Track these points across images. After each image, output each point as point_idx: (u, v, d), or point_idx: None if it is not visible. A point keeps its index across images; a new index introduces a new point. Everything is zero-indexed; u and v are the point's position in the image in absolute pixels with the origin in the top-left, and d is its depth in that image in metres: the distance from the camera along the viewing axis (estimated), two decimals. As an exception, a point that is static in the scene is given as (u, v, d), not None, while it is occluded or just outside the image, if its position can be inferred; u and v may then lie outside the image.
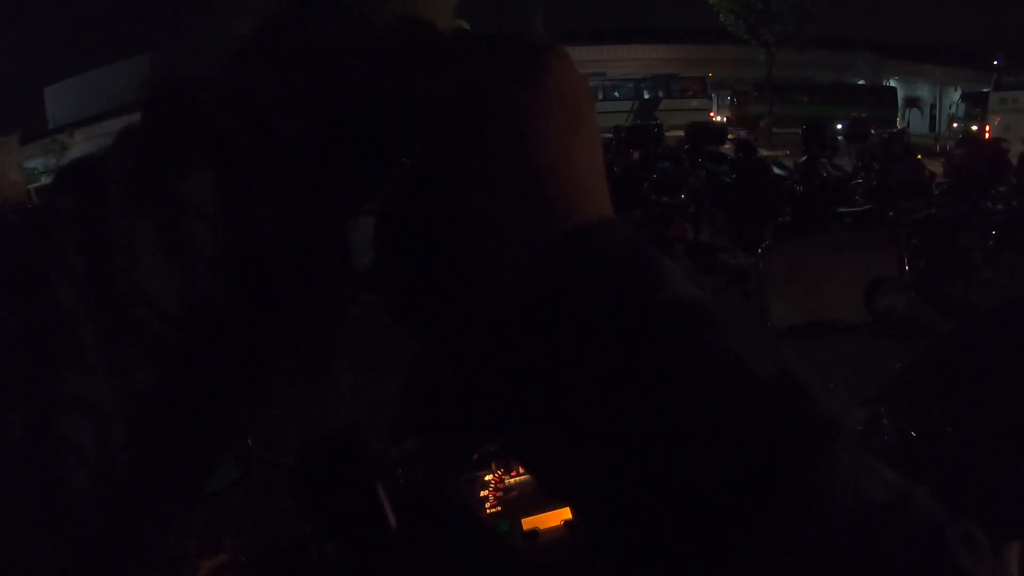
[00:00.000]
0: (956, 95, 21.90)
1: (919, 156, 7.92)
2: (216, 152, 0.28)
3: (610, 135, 9.37)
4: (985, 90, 18.89)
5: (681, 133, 10.70)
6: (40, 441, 0.25)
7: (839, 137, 10.03)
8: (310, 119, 0.29)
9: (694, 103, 25.41)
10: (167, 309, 0.27)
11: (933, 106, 23.87)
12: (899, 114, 21.97)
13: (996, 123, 13.65)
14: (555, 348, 0.25)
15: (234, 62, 0.30)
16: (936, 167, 8.73)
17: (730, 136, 13.50)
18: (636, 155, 8.15)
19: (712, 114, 24.94)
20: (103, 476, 0.26)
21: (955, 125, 19.17)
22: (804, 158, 6.21)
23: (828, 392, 0.26)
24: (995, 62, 15.29)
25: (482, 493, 0.99)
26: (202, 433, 0.30)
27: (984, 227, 5.66)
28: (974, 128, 18.22)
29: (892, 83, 24.76)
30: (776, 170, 6.83)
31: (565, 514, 0.98)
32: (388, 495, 0.91)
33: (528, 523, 0.97)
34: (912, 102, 22.65)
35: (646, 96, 26.02)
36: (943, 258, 5.16)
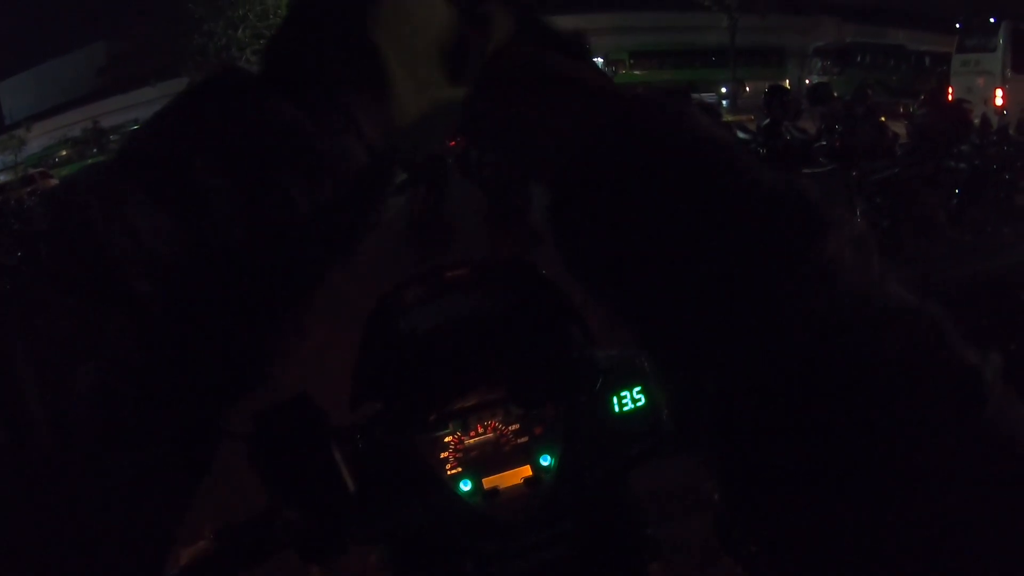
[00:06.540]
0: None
1: (883, 118, 8.00)
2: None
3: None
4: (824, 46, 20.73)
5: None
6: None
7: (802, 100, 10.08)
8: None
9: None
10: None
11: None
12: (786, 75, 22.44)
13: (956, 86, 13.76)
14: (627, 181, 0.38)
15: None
16: (900, 128, 8.82)
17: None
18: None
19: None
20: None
21: (807, 82, 19.62)
22: (767, 121, 6.23)
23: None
24: (957, 25, 15.39)
25: (442, 454, 0.98)
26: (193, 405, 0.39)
27: (948, 185, 5.75)
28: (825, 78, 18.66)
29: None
30: (740, 134, 6.85)
31: (525, 472, 0.98)
32: (345, 459, 0.90)
33: (489, 482, 0.97)
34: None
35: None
36: (907, 217, 5.23)
